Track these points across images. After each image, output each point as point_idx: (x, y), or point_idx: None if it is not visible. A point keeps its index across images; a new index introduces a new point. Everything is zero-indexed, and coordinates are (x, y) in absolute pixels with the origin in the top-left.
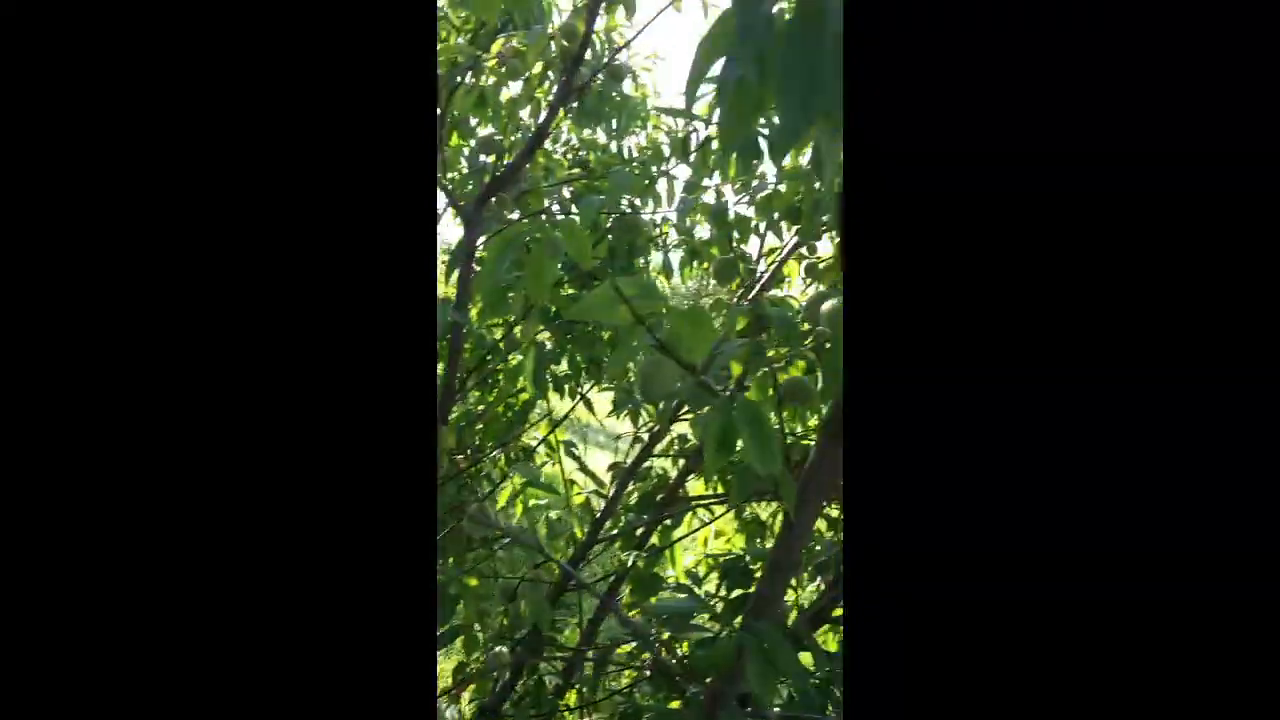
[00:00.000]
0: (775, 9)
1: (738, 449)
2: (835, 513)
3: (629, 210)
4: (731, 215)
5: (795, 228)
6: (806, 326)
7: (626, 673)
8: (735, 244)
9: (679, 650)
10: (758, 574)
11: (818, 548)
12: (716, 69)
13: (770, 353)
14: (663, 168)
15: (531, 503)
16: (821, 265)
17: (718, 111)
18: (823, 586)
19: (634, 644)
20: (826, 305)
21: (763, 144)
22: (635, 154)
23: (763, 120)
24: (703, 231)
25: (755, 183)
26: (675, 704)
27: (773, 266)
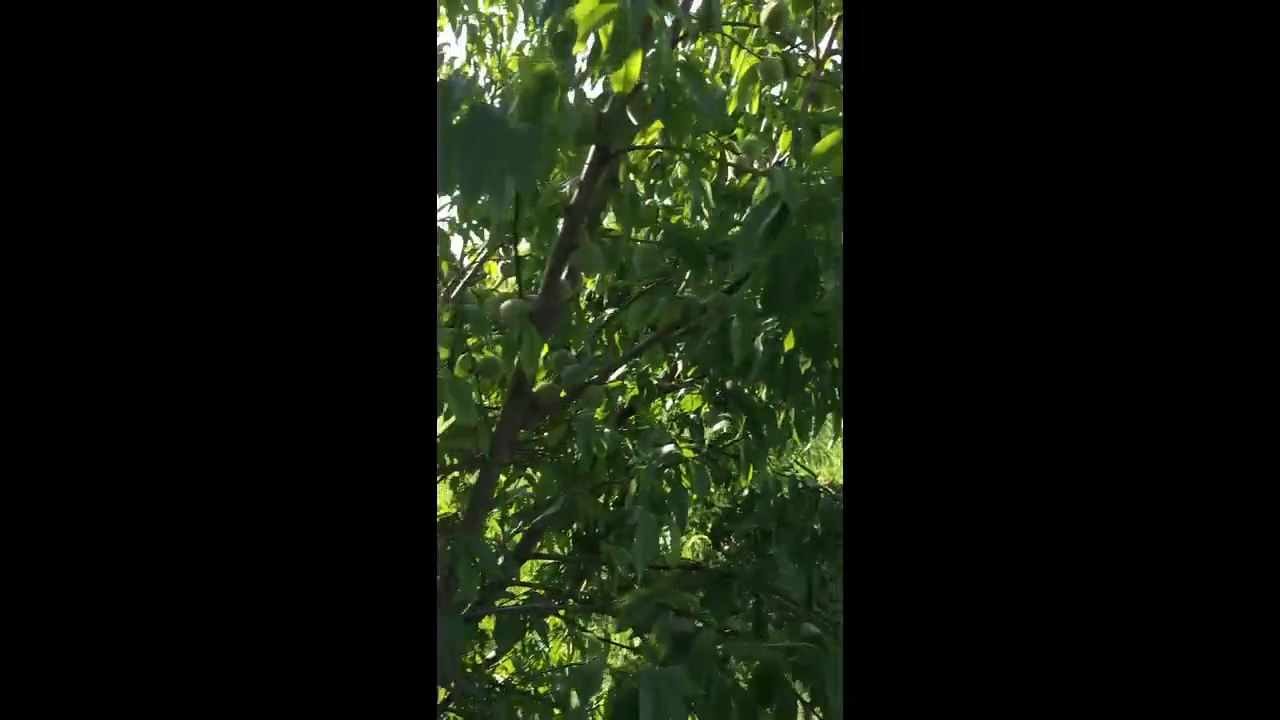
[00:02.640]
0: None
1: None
2: (534, 474)
3: None
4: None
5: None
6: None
7: None
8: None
9: None
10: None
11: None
12: None
13: (471, 340)
14: None
15: None
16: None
17: None
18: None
19: None
20: (504, 305)
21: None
22: None
23: None
24: None
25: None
26: None
27: (474, 266)
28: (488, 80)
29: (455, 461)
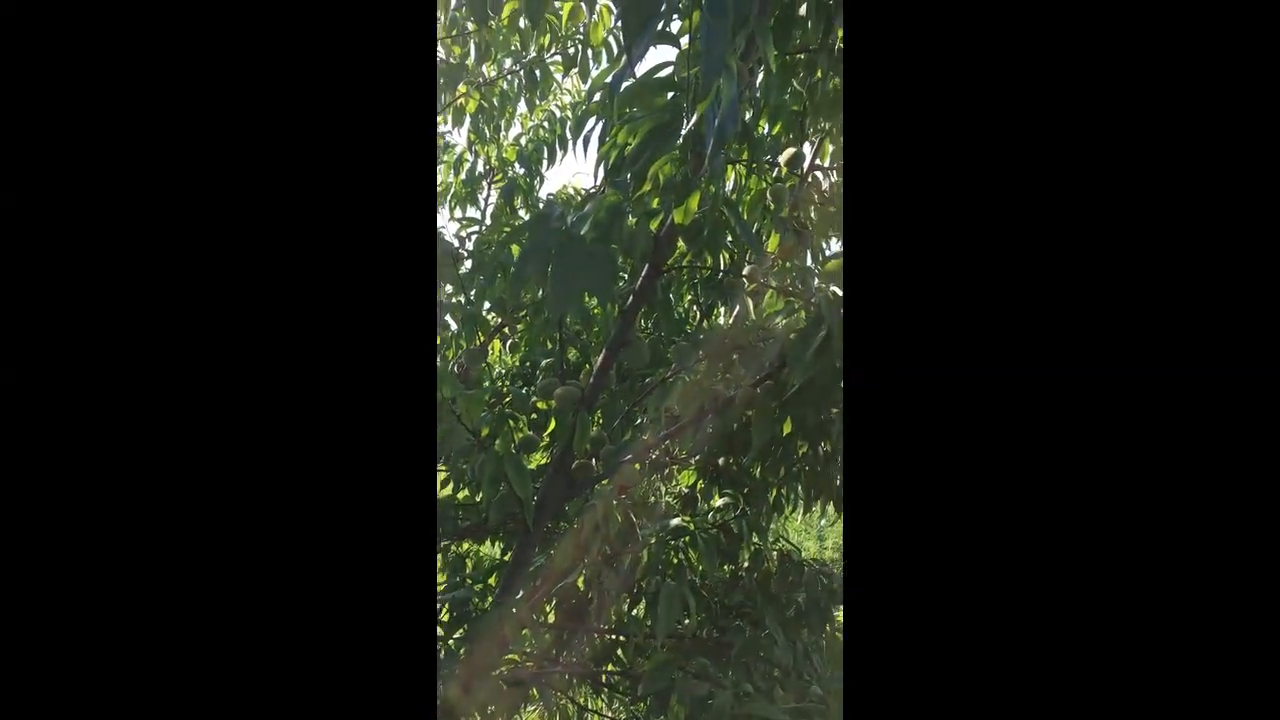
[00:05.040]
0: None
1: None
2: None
3: None
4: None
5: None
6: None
7: None
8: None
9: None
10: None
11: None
12: None
13: (511, 421)
14: None
15: None
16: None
17: None
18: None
19: None
20: (558, 391)
21: None
22: None
23: None
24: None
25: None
26: None
27: (483, 344)
28: (486, 167)
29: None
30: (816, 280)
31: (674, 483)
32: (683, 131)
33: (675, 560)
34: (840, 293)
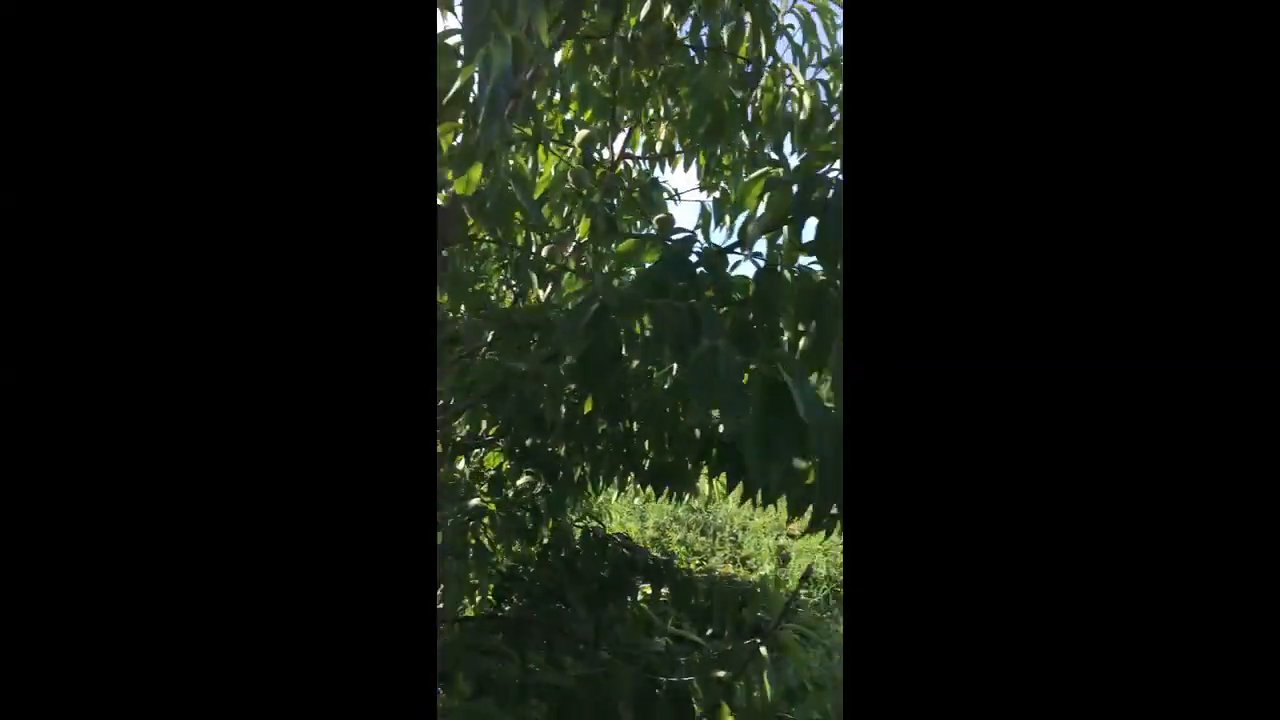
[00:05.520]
0: None
1: None
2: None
3: None
4: None
5: None
6: None
7: None
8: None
9: None
10: None
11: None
12: None
13: None
14: None
15: None
16: None
17: None
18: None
19: None
20: None
21: None
22: None
23: None
24: None
25: None
26: None
27: None
28: None
29: None
30: (605, 264)
31: (479, 464)
32: (446, 97)
33: (473, 541)
34: (616, 270)
